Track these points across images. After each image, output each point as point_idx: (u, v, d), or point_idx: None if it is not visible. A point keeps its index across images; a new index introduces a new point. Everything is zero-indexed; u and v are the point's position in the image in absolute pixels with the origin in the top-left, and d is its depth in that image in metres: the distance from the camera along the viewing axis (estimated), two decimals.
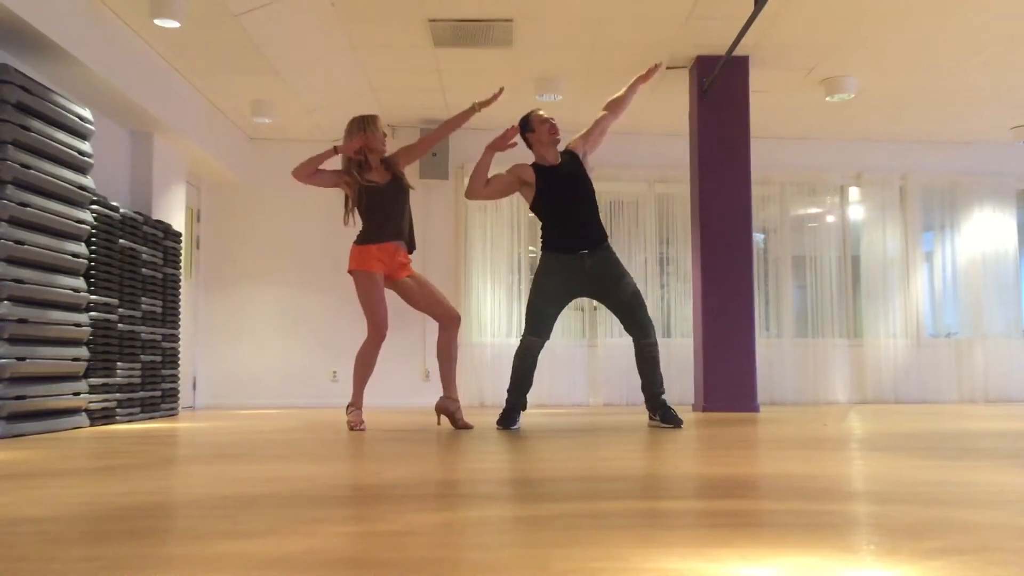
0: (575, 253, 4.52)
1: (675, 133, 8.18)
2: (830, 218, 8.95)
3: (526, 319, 4.59)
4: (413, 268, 4.71)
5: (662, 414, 4.52)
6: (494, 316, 8.47)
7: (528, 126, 4.66)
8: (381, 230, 4.59)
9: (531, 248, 8.53)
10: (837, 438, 3.76)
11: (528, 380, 4.58)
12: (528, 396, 4.68)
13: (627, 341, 8.24)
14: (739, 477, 2.29)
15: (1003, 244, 9.00)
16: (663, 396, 4.58)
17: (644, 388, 4.60)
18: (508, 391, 4.61)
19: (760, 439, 3.70)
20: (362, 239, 4.61)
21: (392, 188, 4.64)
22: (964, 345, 8.83)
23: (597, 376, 8.45)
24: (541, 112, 4.75)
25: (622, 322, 4.58)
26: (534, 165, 4.65)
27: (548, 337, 4.61)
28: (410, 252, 4.71)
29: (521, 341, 4.59)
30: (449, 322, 4.63)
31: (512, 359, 4.64)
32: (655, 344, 4.54)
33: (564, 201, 4.56)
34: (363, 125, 4.63)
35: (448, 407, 4.60)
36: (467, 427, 4.53)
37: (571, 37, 6.35)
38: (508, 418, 4.54)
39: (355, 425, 4.52)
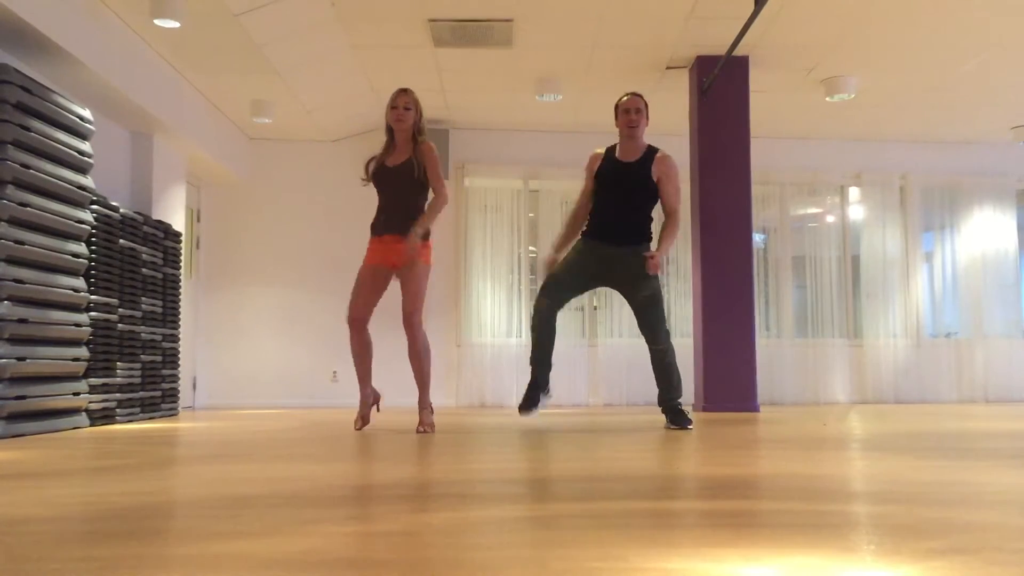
0: (598, 239, 4.50)
1: (675, 133, 8.18)
2: (830, 218, 8.95)
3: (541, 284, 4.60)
4: (420, 258, 4.40)
5: (671, 417, 4.49)
6: (494, 316, 8.47)
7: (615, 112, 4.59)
8: (377, 222, 4.48)
9: (531, 248, 8.53)
10: (837, 438, 3.75)
11: (543, 346, 4.50)
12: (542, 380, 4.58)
13: (627, 341, 8.25)
14: (739, 477, 2.29)
15: (1003, 244, 9.00)
16: (677, 401, 4.51)
17: (658, 390, 4.56)
18: (530, 361, 4.58)
19: (760, 439, 3.70)
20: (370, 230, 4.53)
21: (396, 174, 4.40)
22: (964, 345, 8.83)
23: (597, 376, 8.45)
24: (626, 97, 4.57)
25: (637, 323, 4.55)
26: (608, 153, 4.59)
27: (558, 304, 4.52)
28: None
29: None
30: (404, 318, 4.41)
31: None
32: (665, 350, 4.46)
33: (610, 197, 4.52)
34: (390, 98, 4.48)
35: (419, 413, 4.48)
36: (421, 431, 4.34)
37: (571, 37, 6.35)
38: (529, 400, 4.47)
39: (355, 423, 4.52)
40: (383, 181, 4.46)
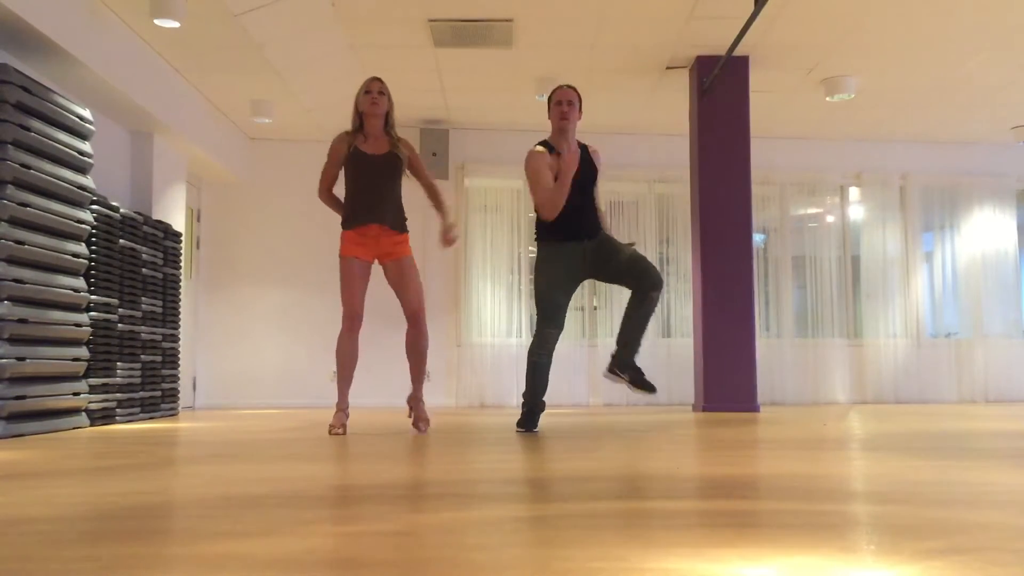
0: (573, 240, 4.37)
1: (675, 133, 8.18)
2: (830, 218, 8.95)
3: (539, 310, 4.39)
4: (408, 251, 4.40)
5: (632, 376, 4.34)
6: (494, 316, 8.47)
7: (548, 104, 4.51)
8: (359, 212, 4.28)
9: (531, 248, 8.53)
10: (837, 438, 3.75)
11: (546, 376, 4.39)
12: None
13: None
14: (739, 477, 2.29)
15: (1003, 244, 9.00)
16: (635, 357, 4.39)
17: (624, 335, 4.34)
18: (525, 391, 4.43)
19: (760, 439, 3.70)
20: (343, 223, 4.35)
21: (382, 164, 4.30)
22: (964, 345, 8.83)
23: (597, 376, 8.45)
24: (559, 89, 4.47)
25: (630, 284, 4.32)
26: (549, 151, 4.42)
27: (563, 327, 4.42)
28: (400, 231, 4.38)
29: (536, 333, 4.39)
30: (409, 316, 4.38)
31: (527, 357, 4.43)
32: (660, 294, 4.31)
33: (571, 195, 4.36)
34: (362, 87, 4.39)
35: (410, 404, 4.46)
36: (417, 430, 4.36)
37: (571, 37, 6.35)
38: (529, 420, 4.37)
39: (333, 428, 4.28)
40: (361, 168, 4.30)
